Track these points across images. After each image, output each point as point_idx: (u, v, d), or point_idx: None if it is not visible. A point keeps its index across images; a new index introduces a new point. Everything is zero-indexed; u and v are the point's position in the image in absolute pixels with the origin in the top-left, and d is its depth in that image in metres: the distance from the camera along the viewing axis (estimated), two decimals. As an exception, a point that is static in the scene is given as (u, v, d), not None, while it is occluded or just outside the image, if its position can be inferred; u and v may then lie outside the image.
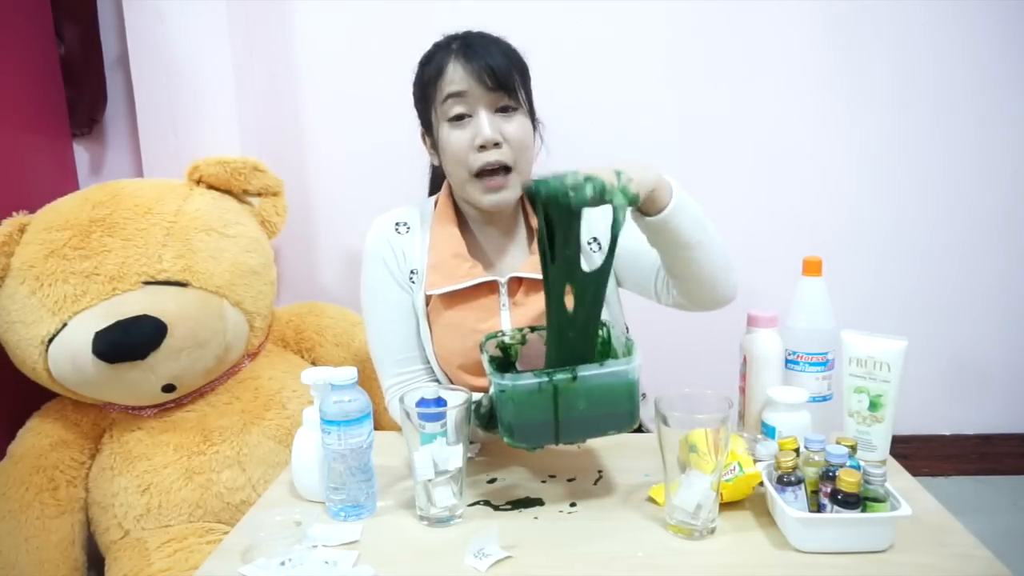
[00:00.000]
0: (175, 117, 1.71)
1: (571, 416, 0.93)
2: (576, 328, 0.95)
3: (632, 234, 1.17)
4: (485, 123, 1.11)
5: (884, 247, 1.89)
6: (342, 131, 1.84)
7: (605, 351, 1.08)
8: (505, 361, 1.10)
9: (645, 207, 1.00)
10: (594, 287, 0.94)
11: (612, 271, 1.18)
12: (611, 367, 0.93)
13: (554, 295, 0.94)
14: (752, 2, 1.78)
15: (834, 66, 1.81)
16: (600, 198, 0.89)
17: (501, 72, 1.11)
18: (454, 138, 1.13)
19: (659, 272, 1.16)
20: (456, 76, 1.11)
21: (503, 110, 1.13)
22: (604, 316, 1.01)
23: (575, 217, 0.90)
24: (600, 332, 1.09)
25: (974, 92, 1.82)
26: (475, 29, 1.17)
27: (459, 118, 1.13)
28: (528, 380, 0.91)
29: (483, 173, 1.13)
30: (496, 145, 1.12)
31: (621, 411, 0.94)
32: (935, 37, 1.79)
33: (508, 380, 0.91)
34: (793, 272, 1.13)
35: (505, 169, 1.14)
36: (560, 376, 0.91)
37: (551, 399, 0.92)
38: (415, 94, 1.21)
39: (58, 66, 1.75)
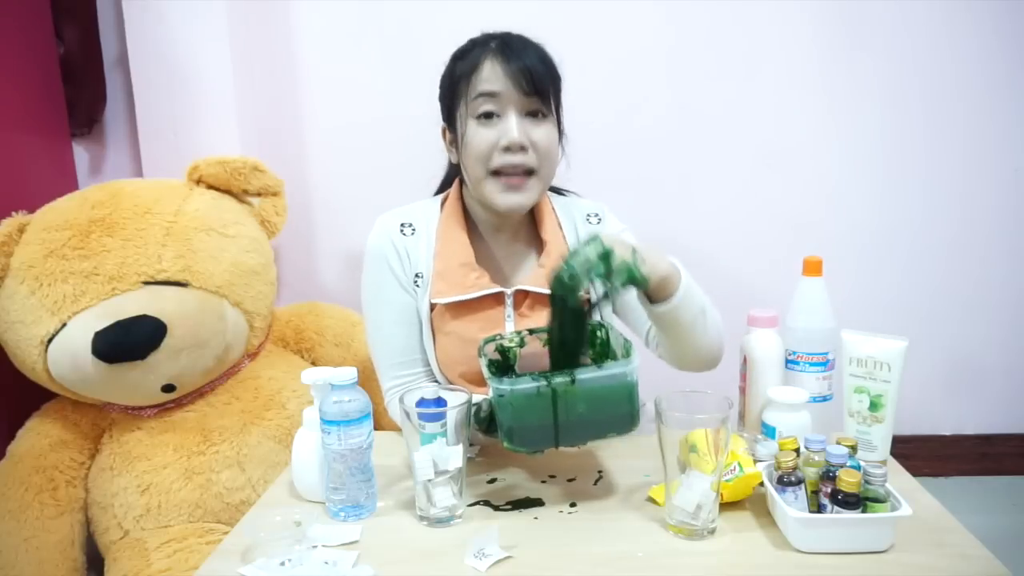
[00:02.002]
0: (175, 117, 1.70)
1: (571, 419, 0.93)
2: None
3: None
4: (513, 125, 1.09)
5: (885, 247, 1.89)
6: (342, 131, 1.84)
7: (604, 353, 1.08)
8: (504, 364, 1.10)
9: (652, 294, 1.00)
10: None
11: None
12: (609, 369, 0.93)
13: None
14: (752, 2, 1.78)
15: (834, 66, 1.81)
16: (606, 276, 0.91)
17: (538, 76, 1.09)
18: (479, 136, 1.10)
19: (652, 328, 1.16)
20: (492, 75, 1.09)
21: (532, 115, 1.11)
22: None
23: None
24: (599, 333, 1.09)
25: (974, 92, 1.81)
26: (497, 30, 1.15)
27: (487, 116, 1.10)
28: (526, 384, 0.91)
29: (502, 172, 1.11)
30: (522, 149, 1.10)
31: (622, 413, 0.94)
32: (935, 37, 1.79)
33: (506, 385, 0.91)
34: (793, 272, 1.13)
35: (527, 172, 1.12)
36: (558, 379, 0.91)
37: (550, 403, 0.91)
38: (443, 87, 1.18)
39: (58, 66, 1.74)
